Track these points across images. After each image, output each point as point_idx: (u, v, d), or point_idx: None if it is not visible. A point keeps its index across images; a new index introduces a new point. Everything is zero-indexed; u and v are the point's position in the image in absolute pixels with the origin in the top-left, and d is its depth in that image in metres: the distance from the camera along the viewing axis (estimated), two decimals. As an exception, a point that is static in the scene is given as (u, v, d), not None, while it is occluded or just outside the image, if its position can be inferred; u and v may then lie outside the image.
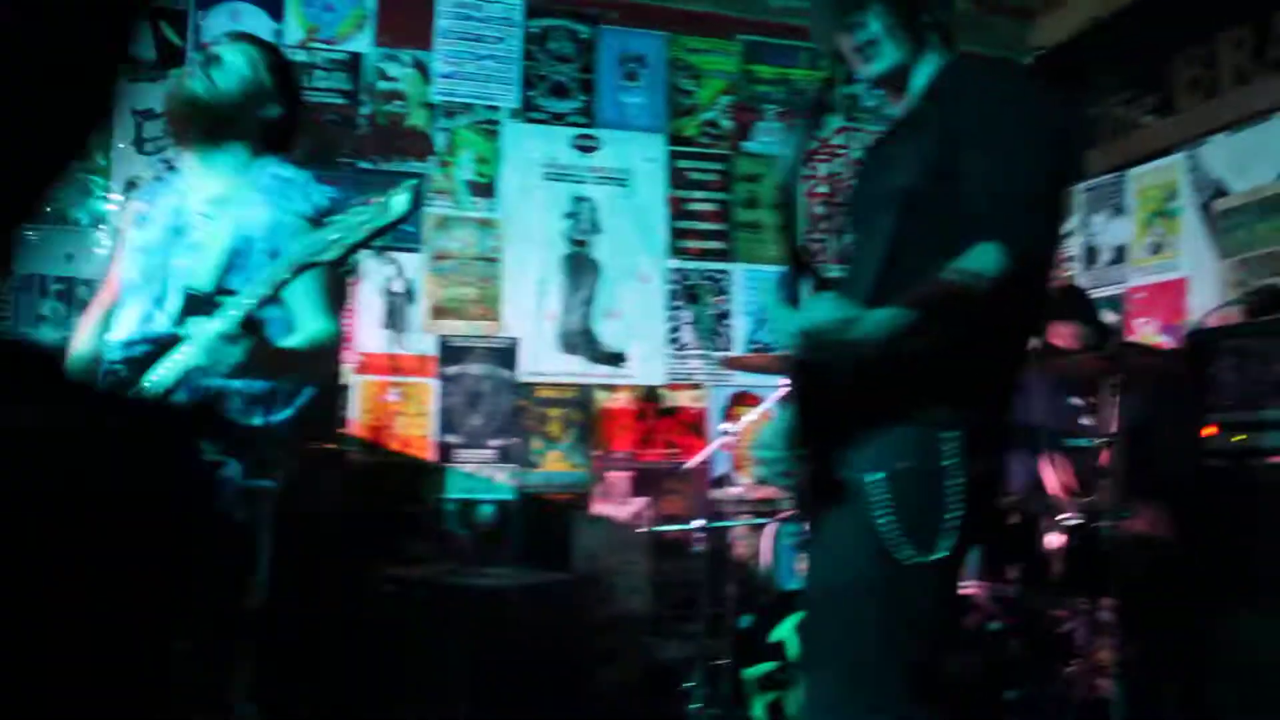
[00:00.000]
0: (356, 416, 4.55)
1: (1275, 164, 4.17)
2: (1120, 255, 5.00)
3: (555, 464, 4.86)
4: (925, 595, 1.87)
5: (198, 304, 2.23)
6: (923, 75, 2.07)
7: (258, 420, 2.32)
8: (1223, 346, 2.61)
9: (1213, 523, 2.60)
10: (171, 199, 2.54)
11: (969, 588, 3.41)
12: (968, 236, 1.81)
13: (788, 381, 2.01)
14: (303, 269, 2.07)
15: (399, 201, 2.00)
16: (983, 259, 1.76)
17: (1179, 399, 2.71)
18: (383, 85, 4.73)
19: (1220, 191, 4.44)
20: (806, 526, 2.10)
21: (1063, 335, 3.93)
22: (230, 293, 2.19)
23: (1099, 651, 3.43)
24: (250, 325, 2.12)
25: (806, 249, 1.73)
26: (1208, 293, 4.31)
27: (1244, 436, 2.51)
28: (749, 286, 5.18)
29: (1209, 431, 2.62)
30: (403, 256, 4.68)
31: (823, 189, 5.19)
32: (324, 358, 2.46)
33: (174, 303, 2.34)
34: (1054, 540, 3.37)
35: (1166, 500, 3.02)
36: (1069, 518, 3.42)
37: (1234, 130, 4.38)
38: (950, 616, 2.10)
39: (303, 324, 2.34)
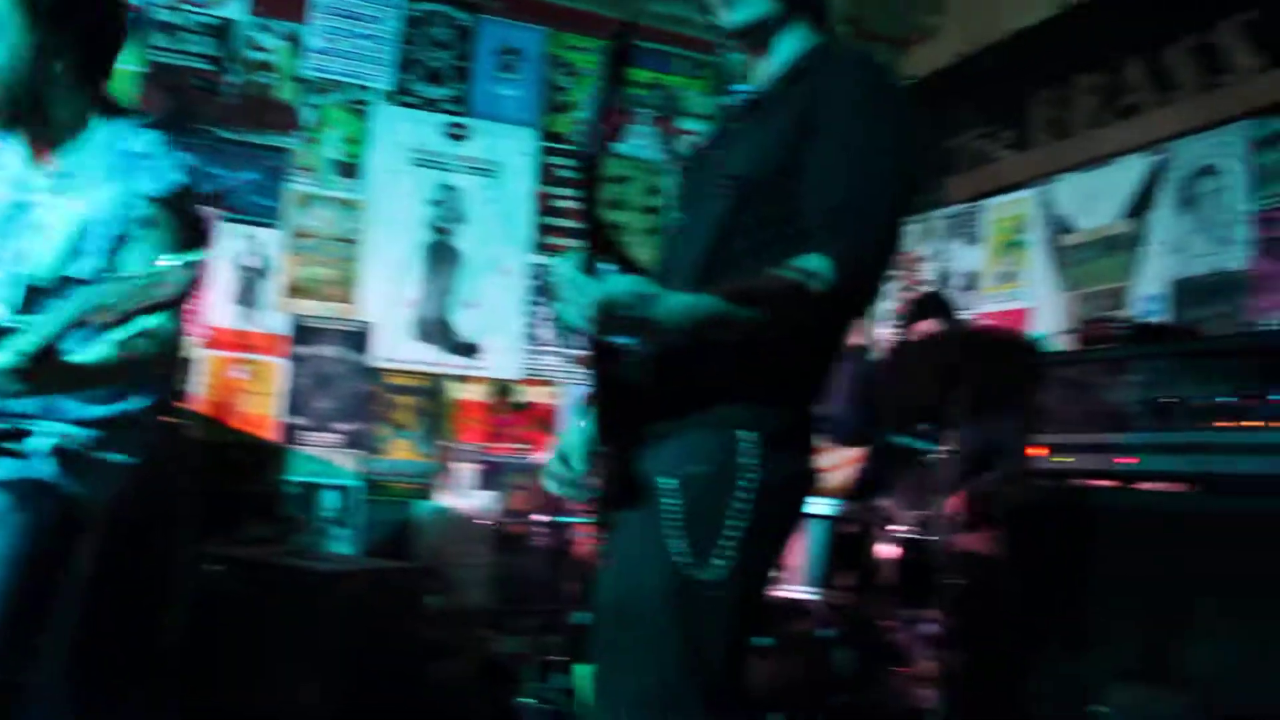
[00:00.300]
0: (200, 392, 4.43)
1: (1118, 205, 4.40)
2: (972, 282, 5.20)
3: (403, 452, 4.82)
4: (721, 608, 1.71)
5: (38, 295, 2.04)
6: (787, 49, 1.90)
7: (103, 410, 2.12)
8: (1054, 372, 2.75)
9: (1035, 542, 2.73)
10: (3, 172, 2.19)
11: (801, 593, 3.49)
12: (802, 238, 1.71)
13: (588, 378, 1.82)
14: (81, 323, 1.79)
15: (170, 280, 1.77)
16: (815, 268, 1.64)
17: (1015, 421, 2.84)
18: (253, 55, 4.62)
19: (1067, 228, 4.66)
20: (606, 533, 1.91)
21: (922, 335, 4.08)
22: (77, 281, 2.00)
23: (923, 662, 3.56)
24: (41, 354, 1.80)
25: (610, 226, 1.58)
26: (1050, 323, 4.52)
27: (1071, 459, 2.65)
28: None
29: (1037, 452, 2.74)
30: (260, 231, 4.57)
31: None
32: (158, 362, 2.12)
33: (10, 293, 2.08)
34: (886, 550, 3.47)
35: (996, 518, 3.14)
36: (902, 529, 3.54)
37: (1083, 170, 4.60)
38: (750, 631, 1.87)
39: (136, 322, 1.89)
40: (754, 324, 1.64)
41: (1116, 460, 2.57)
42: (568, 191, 5.18)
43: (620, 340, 1.73)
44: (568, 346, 5.12)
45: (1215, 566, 2.26)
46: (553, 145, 5.17)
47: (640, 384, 1.80)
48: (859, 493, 4.08)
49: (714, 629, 1.71)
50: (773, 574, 1.90)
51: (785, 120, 1.78)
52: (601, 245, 1.59)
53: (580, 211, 1.59)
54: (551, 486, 2.04)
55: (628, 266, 1.58)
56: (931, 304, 4.28)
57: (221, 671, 3.42)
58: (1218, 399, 2.37)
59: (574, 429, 2.03)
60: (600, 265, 1.61)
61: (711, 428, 1.74)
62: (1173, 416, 2.45)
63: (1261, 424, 2.27)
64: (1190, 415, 2.42)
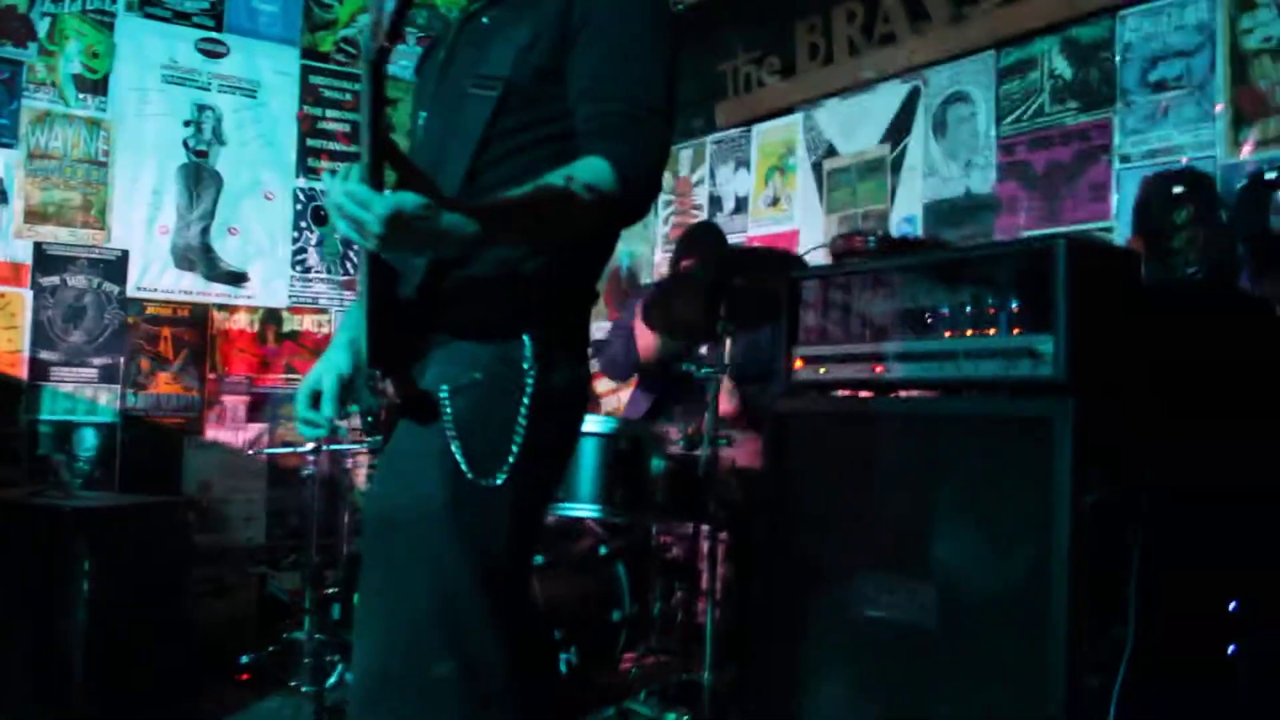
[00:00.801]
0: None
1: (878, 130, 4.58)
2: (741, 206, 5.32)
3: (166, 386, 4.61)
4: (505, 517, 1.70)
5: None
6: None
7: None
8: (808, 286, 2.84)
9: (794, 453, 2.84)
10: None
11: (578, 511, 3.53)
12: (567, 142, 1.69)
13: (359, 290, 1.75)
14: None
15: None
16: (596, 173, 1.61)
17: (778, 334, 2.93)
18: (-26, -43, 4.24)
19: (831, 151, 4.83)
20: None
21: (687, 266, 4.16)
22: None
23: (700, 577, 3.68)
24: None
25: (392, 139, 1.48)
26: (816, 245, 4.69)
27: (824, 369, 2.75)
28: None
29: (796, 365, 2.84)
30: (-9, 151, 4.24)
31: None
32: None
33: None
34: (658, 465, 3.54)
35: (760, 429, 3.25)
36: (673, 444, 3.62)
37: (845, 96, 4.76)
38: (529, 543, 1.84)
39: None
40: (542, 233, 1.62)
41: (872, 369, 2.69)
42: (332, 113, 5.01)
43: (403, 254, 1.68)
44: (335, 272, 4.98)
45: (955, 466, 2.40)
46: (316, 65, 4.98)
47: (413, 297, 1.75)
48: (641, 417, 4.17)
49: (498, 539, 1.69)
50: (555, 483, 1.89)
51: (539, 21, 1.74)
52: (387, 157, 1.49)
53: (368, 121, 1.48)
54: (303, 431, 1.99)
55: (412, 179, 1.48)
56: (701, 235, 4.37)
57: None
58: (963, 307, 2.50)
59: (321, 367, 1.96)
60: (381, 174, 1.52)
61: (488, 336, 1.72)
62: (919, 326, 2.58)
63: (995, 331, 2.41)
64: (936, 324, 2.55)
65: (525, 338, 1.71)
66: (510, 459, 1.68)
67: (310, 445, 3.93)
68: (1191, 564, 2.30)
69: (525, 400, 1.70)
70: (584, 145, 1.67)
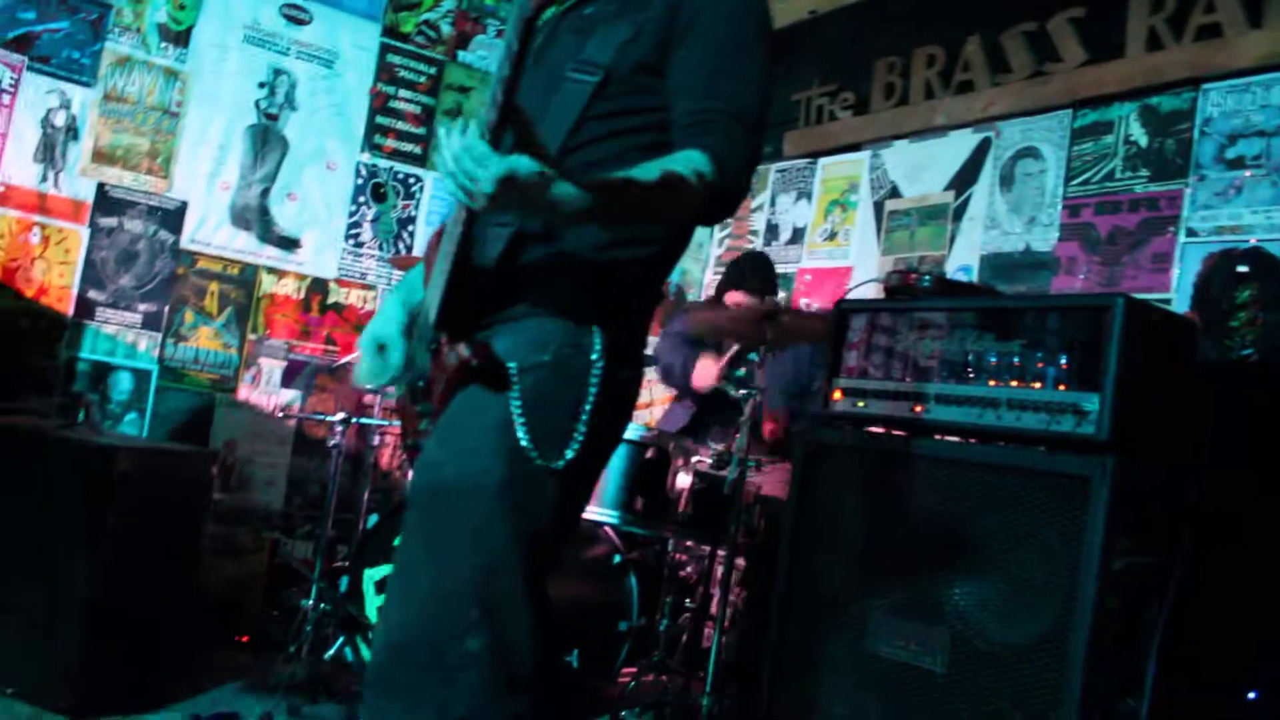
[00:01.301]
0: (-12, 251, 4.15)
1: (944, 176, 4.56)
2: (798, 236, 5.31)
3: (206, 341, 4.63)
4: (549, 503, 1.69)
5: None
6: None
7: None
8: (856, 320, 2.82)
9: (822, 484, 2.81)
10: None
11: (600, 516, 3.51)
12: (662, 134, 1.71)
13: (442, 250, 1.75)
14: None
15: None
16: (696, 164, 1.61)
17: (823, 364, 2.91)
18: (78, -105, 4.30)
19: (895, 193, 4.80)
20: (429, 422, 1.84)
21: (733, 301, 4.14)
22: None
23: (712, 597, 3.64)
24: None
25: (519, 107, 1.47)
26: (867, 285, 4.66)
27: (863, 403, 2.73)
28: (438, 195, 5.12)
29: (835, 396, 2.82)
30: (71, 88, 4.28)
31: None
32: None
33: None
34: (683, 480, 3.52)
35: (792, 458, 3.22)
36: (700, 461, 3.60)
37: (915, 139, 4.74)
38: (566, 533, 1.84)
39: None
40: (646, 216, 1.63)
41: (912, 408, 2.66)
42: (405, 93, 5.04)
43: (507, 216, 1.67)
44: (386, 250, 5.00)
45: (984, 514, 2.37)
46: (395, 44, 5.01)
47: (490, 267, 1.75)
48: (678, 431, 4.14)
49: (543, 522, 1.69)
50: (598, 477, 1.87)
51: (643, 16, 1.75)
52: (512, 118, 1.48)
53: (503, 78, 1.48)
54: (367, 380, 1.98)
55: (531, 145, 1.46)
56: (753, 268, 4.33)
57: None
58: (1010, 358, 2.47)
59: (387, 318, 1.97)
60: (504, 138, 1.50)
61: (560, 320, 1.72)
62: (964, 371, 2.55)
63: (1040, 385, 2.38)
64: (981, 371, 2.52)
65: (595, 328, 1.72)
66: (576, 443, 1.69)
67: (340, 416, 3.94)
68: (1213, 646, 2.25)
69: (593, 390, 1.70)
70: (681, 139, 1.68)
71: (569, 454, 1.68)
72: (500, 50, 1.61)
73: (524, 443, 1.65)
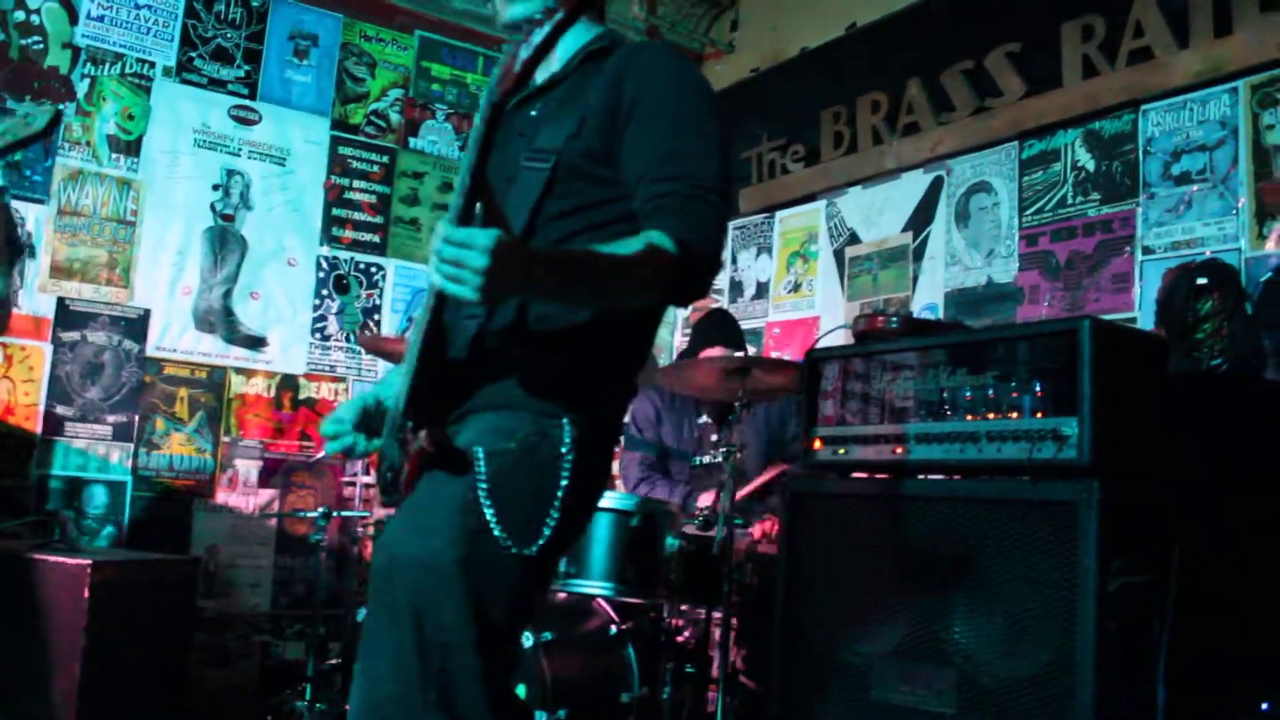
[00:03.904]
0: (-49, 376, 4.11)
1: (900, 218, 4.61)
2: (763, 291, 5.34)
3: (179, 447, 4.59)
4: (508, 587, 1.69)
5: None
6: (572, 36, 1.86)
7: None
8: (828, 368, 2.83)
9: (812, 534, 2.80)
10: None
11: (592, 589, 3.48)
12: (625, 221, 1.71)
13: (410, 340, 1.74)
14: None
15: (40, 117, 1.77)
16: (658, 242, 1.61)
17: (798, 415, 2.92)
18: (19, 16, 4.31)
19: (854, 239, 4.85)
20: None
21: (710, 357, 4.14)
22: None
23: (712, 659, 3.60)
24: None
25: (489, 188, 1.47)
26: (835, 332, 4.69)
27: (844, 450, 2.73)
28: (400, 282, 5.12)
29: (815, 446, 2.82)
30: (25, 206, 4.27)
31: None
32: None
33: None
34: (671, 545, 3.49)
35: (778, 512, 3.21)
36: (687, 524, 3.57)
37: (868, 184, 4.80)
38: (524, 618, 1.83)
39: None
40: (619, 288, 1.60)
41: (893, 450, 2.67)
42: (359, 184, 5.07)
43: (494, 301, 1.64)
44: (354, 341, 4.99)
45: (976, 549, 2.36)
46: (345, 136, 5.04)
47: (459, 359, 1.75)
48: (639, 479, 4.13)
49: (501, 605, 1.67)
50: (558, 564, 1.88)
51: (588, 103, 1.76)
52: (481, 197, 1.49)
53: (472, 162, 1.49)
54: (326, 432, 1.96)
55: (500, 226, 1.47)
56: (718, 326, 4.34)
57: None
58: (985, 390, 2.49)
59: (348, 404, 1.97)
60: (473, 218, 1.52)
61: (528, 410, 1.71)
62: (940, 408, 2.56)
63: (1017, 414, 2.39)
64: (957, 407, 2.54)
65: (565, 420, 1.71)
66: (547, 530, 1.68)
67: (321, 510, 3.90)
68: (1220, 659, 2.24)
69: (564, 481, 1.69)
70: (644, 224, 1.67)
71: (540, 542, 1.68)
72: (468, 138, 1.62)
73: (495, 529, 1.65)
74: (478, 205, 1.51)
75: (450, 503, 1.67)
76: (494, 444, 1.68)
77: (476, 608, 1.64)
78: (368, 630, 1.71)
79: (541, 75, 1.90)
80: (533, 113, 1.88)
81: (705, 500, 3.95)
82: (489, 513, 1.65)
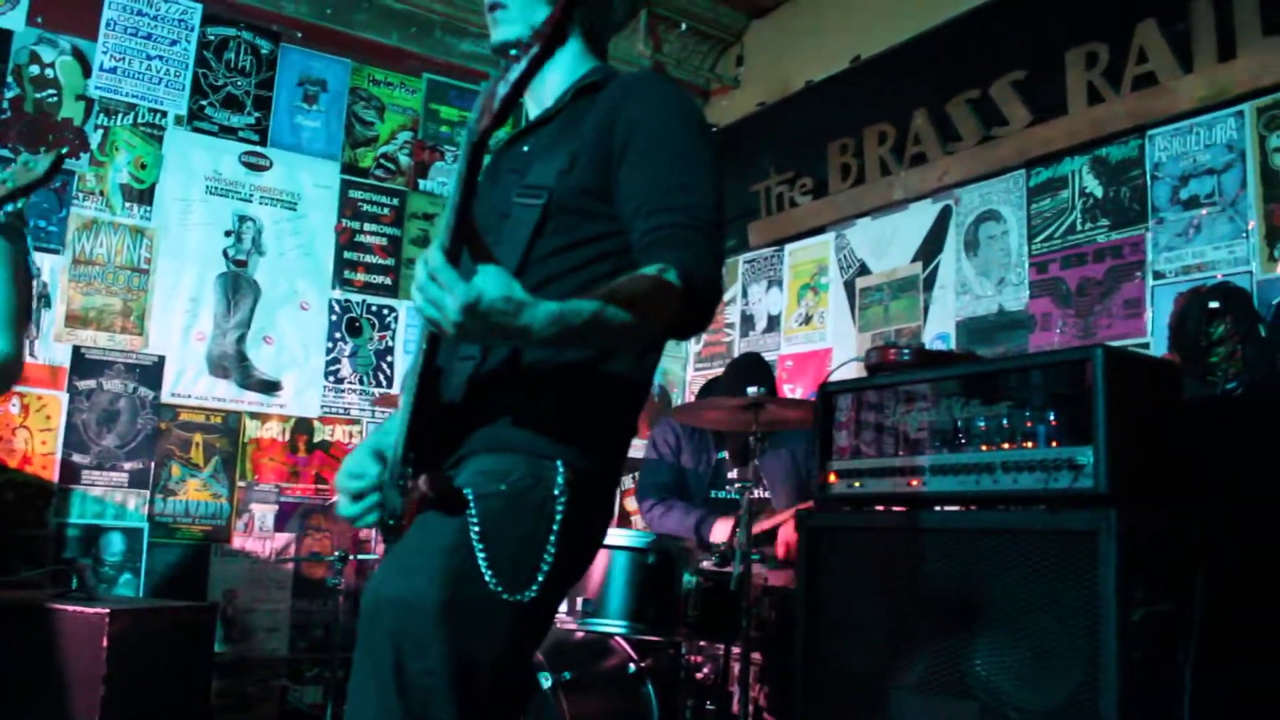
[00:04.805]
0: (-32, 427, 4.13)
1: (910, 248, 4.61)
2: (774, 324, 5.35)
3: (195, 493, 4.60)
4: (493, 633, 1.63)
5: None
6: (565, 71, 1.88)
7: None
8: (841, 401, 2.83)
9: (829, 569, 2.79)
10: None
11: (609, 628, 3.46)
12: (620, 257, 1.69)
13: (405, 383, 1.71)
14: None
15: (41, 163, 1.82)
16: (661, 275, 1.56)
17: (810, 452, 2.91)
18: (34, 70, 4.37)
19: (864, 270, 4.86)
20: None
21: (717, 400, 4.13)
22: None
23: (732, 696, 3.57)
24: None
25: (474, 229, 1.48)
26: (847, 365, 4.68)
27: (859, 484, 2.72)
28: (413, 324, 5.14)
29: (831, 480, 2.81)
30: (40, 256, 4.30)
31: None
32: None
33: None
34: (689, 582, 3.48)
35: (796, 547, 3.19)
36: (704, 560, 3.56)
37: (876, 215, 4.81)
38: (516, 669, 1.77)
39: None
40: (622, 330, 1.53)
41: (908, 483, 2.66)
42: (370, 227, 5.10)
43: (481, 340, 1.64)
44: (367, 384, 5.01)
45: (995, 581, 2.35)
46: (355, 179, 5.08)
47: (455, 401, 1.72)
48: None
49: (484, 651, 1.63)
50: (552, 615, 1.81)
51: (581, 138, 1.75)
52: (467, 240, 1.46)
53: (456, 202, 1.47)
54: (344, 499, 1.90)
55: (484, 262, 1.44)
56: (753, 370, 4.30)
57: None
58: (999, 420, 2.48)
59: (355, 453, 1.94)
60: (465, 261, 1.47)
61: (522, 453, 1.68)
62: (955, 439, 2.55)
63: (1033, 444, 2.38)
64: (972, 438, 2.53)
65: (559, 462, 1.68)
66: (540, 577, 1.64)
67: (338, 554, 3.90)
68: (1247, 686, 2.22)
69: (556, 526, 1.66)
70: (643, 258, 1.64)
71: (533, 589, 1.64)
72: (452, 177, 1.62)
73: (485, 574, 1.61)
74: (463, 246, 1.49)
75: (438, 544, 1.63)
76: (484, 486, 1.65)
77: (460, 653, 1.59)
78: (354, 671, 1.67)
79: (534, 110, 1.90)
80: (525, 148, 1.87)
81: (720, 530, 3.93)
82: (480, 556, 1.61)
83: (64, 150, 1.79)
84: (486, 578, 1.61)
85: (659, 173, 1.69)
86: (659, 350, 1.87)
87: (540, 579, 1.64)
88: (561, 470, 1.68)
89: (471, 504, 1.63)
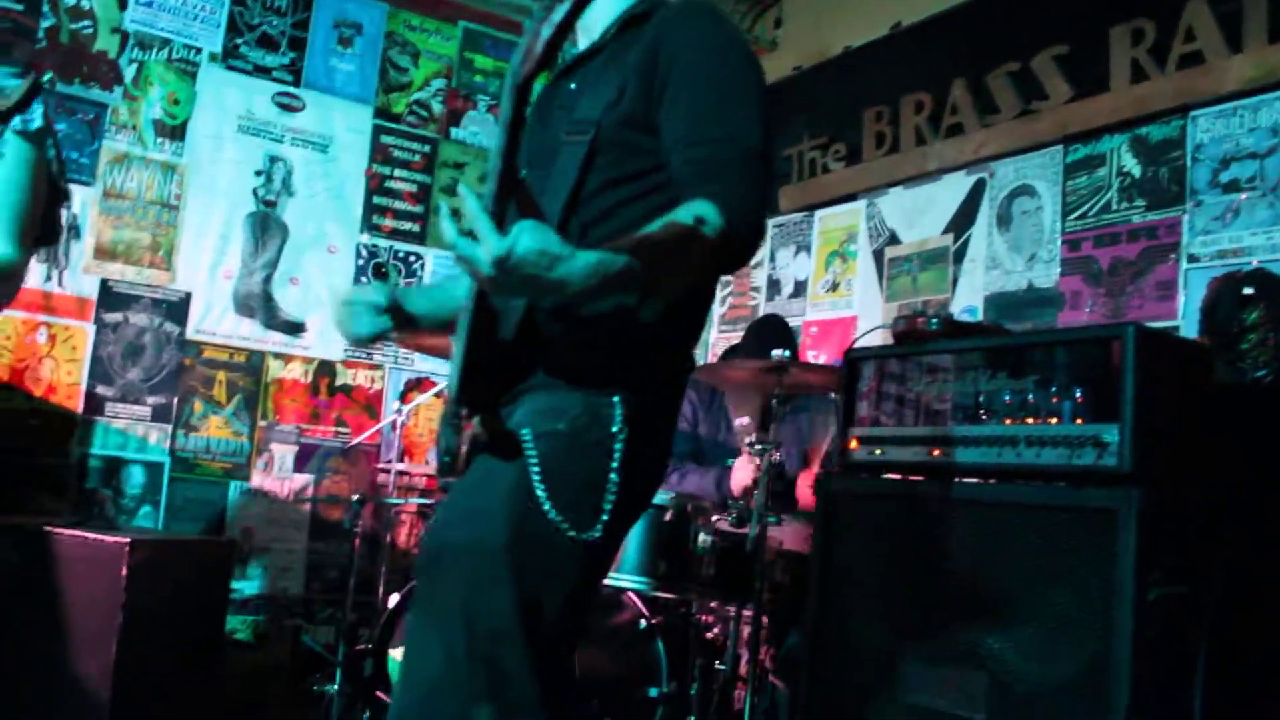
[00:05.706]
0: (-5, 354, 4.17)
1: (941, 220, 4.57)
2: (800, 290, 5.32)
3: (216, 430, 4.63)
4: (566, 572, 1.63)
5: None
6: (613, 2, 1.84)
7: None
8: (866, 368, 2.82)
9: (845, 535, 2.79)
10: None
11: (623, 582, 3.47)
12: (666, 190, 1.65)
13: (459, 322, 1.70)
14: None
15: (14, 90, 1.78)
16: (703, 211, 1.53)
17: (836, 416, 2.90)
18: (69, 1, 4.36)
19: (893, 240, 4.82)
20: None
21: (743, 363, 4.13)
22: None
23: (740, 657, 3.59)
24: None
25: (519, 175, 1.48)
26: (873, 332, 4.67)
27: (880, 451, 2.71)
28: (440, 271, 5.15)
29: (852, 446, 2.81)
30: (71, 188, 4.28)
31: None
32: None
33: None
34: (704, 541, 3.49)
35: (813, 510, 3.20)
36: (720, 520, 3.57)
37: (909, 185, 4.76)
38: (580, 605, 1.75)
39: None
40: (660, 279, 1.50)
41: (930, 453, 2.65)
42: (400, 173, 5.09)
43: (518, 293, 1.57)
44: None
45: (1012, 555, 2.34)
46: (388, 125, 5.07)
47: (509, 339, 1.70)
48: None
49: (552, 590, 1.62)
50: (615, 550, 1.81)
51: (627, 69, 1.71)
52: (512, 189, 1.44)
53: (501, 147, 1.45)
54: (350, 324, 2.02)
55: (530, 215, 1.41)
56: (775, 332, 4.29)
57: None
58: (1024, 395, 2.47)
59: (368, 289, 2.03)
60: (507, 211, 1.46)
61: (578, 388, 1.67)
62: (979, 411, 2.54)
63: (1057, 420, 2.37)
64: (997, 410, 2.51)
65: (616, 399, 1.66)
66: (605, 515, 1.63)
67: (356, 497, 3.92)
68: (1262, 671, 2.22)
69: (615, 463, 1.65)
70: (683, 191, 1.61)
71: (598, 528, 1.63)
72: (497, 122, 1.61)
73: (550, 512, 1.60)
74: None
75: (499, 486, 1.62)
76: (542, 425, 1.64)
77: (527, 593, 1.58)
78: (415, 615, 1.68)
79: (583, 42, 1.88)
80: (572, 85, 1.84)
81: (741, 471, 3.90)
82: (541, 495, 1.60)
83: (44, 78, 1.76)
84: (551, 515, 1.60)
85: (697, 102, 1.66)
86: (713, 285, 1.86)
87: (604, 516, 1.64)
88: (619, 406, 1.66)
89: (531, 444, 1.62)
